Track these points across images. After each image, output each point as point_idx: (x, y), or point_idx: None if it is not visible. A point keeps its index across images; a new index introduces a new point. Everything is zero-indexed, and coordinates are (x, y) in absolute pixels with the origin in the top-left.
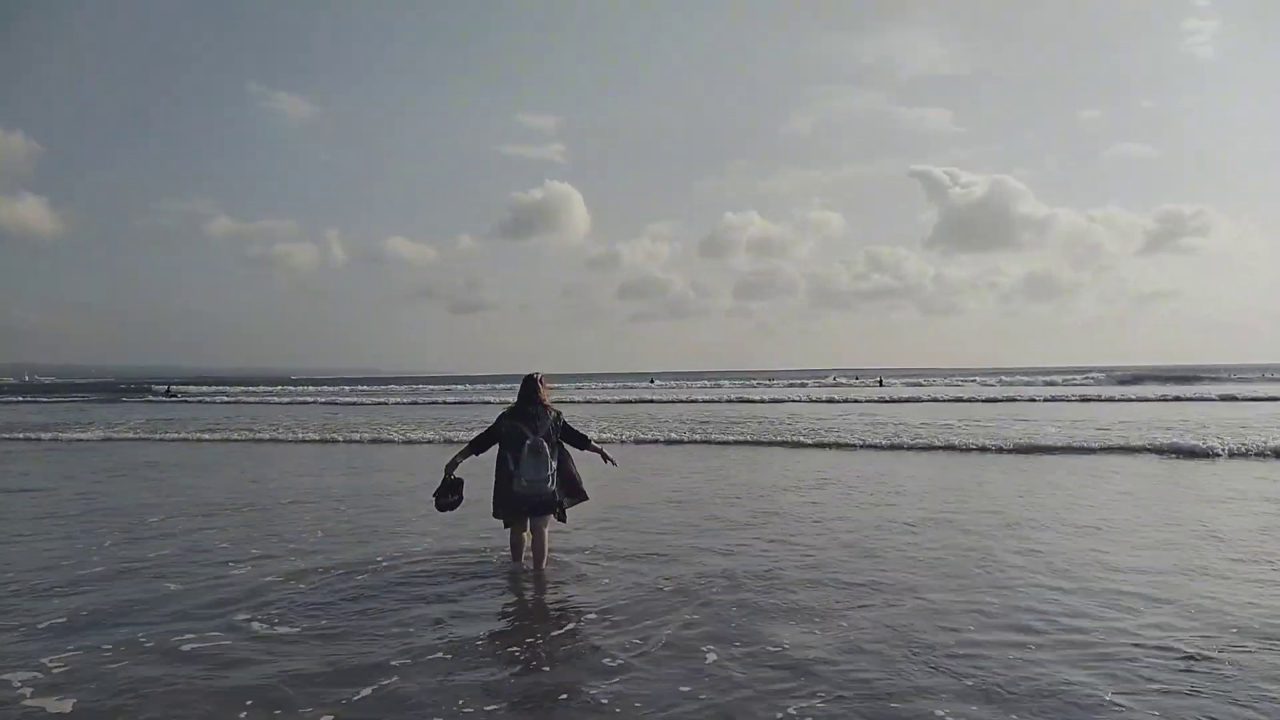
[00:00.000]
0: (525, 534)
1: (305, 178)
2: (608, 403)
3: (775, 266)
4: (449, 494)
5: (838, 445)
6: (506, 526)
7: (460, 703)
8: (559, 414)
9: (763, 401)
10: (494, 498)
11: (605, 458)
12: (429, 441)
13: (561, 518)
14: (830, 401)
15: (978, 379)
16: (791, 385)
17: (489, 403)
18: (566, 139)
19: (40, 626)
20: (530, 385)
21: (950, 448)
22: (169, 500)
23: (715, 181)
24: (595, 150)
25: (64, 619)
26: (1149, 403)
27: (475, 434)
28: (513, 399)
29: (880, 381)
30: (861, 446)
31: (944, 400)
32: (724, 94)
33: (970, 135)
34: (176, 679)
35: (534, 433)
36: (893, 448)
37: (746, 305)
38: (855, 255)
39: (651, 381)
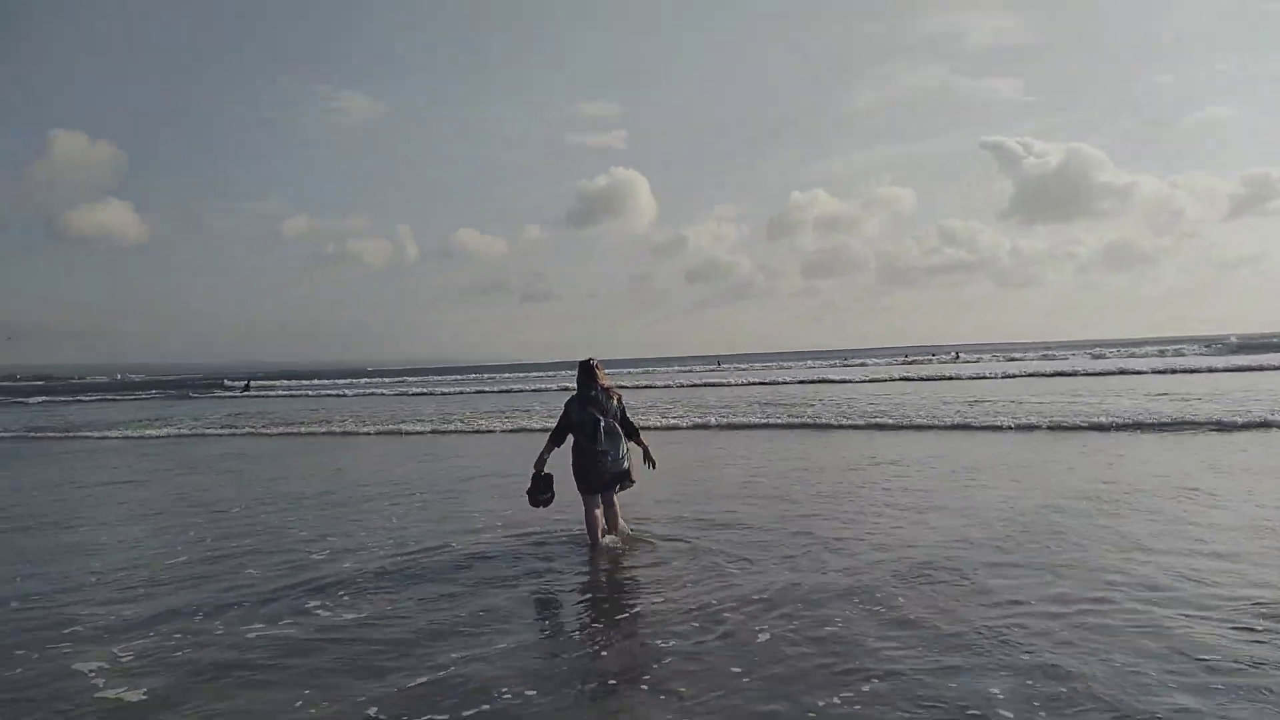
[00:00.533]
0: (598, 511)
1: (375, 175)
2: (671, 386)
3: (843, 244)
4: (541, 492)
5: (914, 426)
6: (586, 495)
7: (515, 687)
8: (620, 396)
9: (833, 382)
10: (577, 476)
11: (647, 456)
12: (500, 431)
13: (627, 484)
14: (905, 380)
15: (1057, 353)
16: (862, 365)
17: (548, 390)
18: (628, 125)
19: (124, 614)
20: (588, 371)
21: (1030, 427)
22: (250, 491)
23: (780, 161)
24: (657, 135)
25: (142, 607)
26: (1245, 373)
27: (552, 427)
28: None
29: (957, 356)
30: (938, 426)
31: (1023, 376)
32: (784, 73)
33: (1042, 104)
34: (245, 666)
35: (604, 414)
36: (970, 427)
37: (814, 285)
38: (926, 230)
39: (718, 365)
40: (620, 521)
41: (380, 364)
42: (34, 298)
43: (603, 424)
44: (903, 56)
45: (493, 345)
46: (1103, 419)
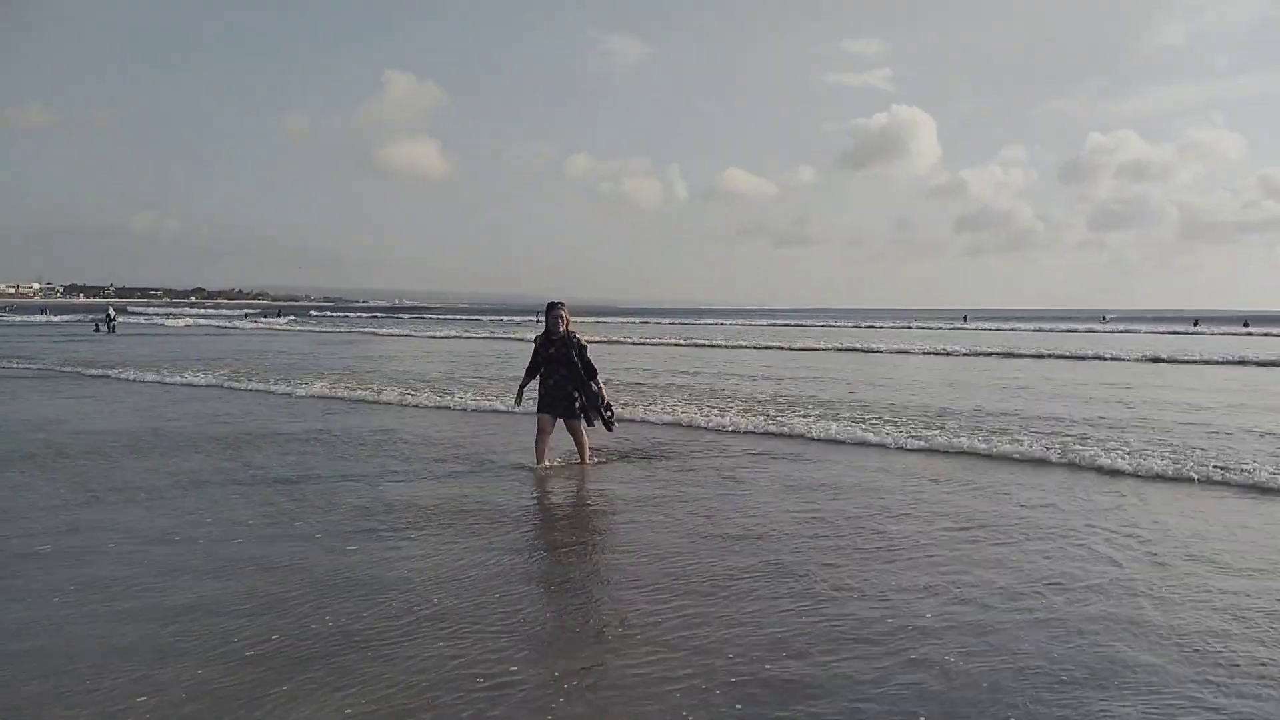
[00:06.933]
0: (548, 437)
1: (644, 114)
2: (896, 352)
3: (1143, 194)
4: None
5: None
6: (542, 419)
7: None
8: (580, 338)
9: (1103, 359)
10: (539, 402)
11: (606, 405)
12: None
13: (609, 427)
14: (1174, 362)
15: None
16: (1150, 333)
17: (751, 348)
18: (894, 63)
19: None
20: (554, 313)
21: None
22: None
23: (1074, 100)
24: (927, 74)
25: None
26: None
27: (527, 364)
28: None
29: (1245, 324)
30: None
31: None
32: (1076, 4)
33: None
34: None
35: (565, 351)
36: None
37: (1101, 238)
38: (1246, 181)
39: (964, 319)
40: (586, 451)
41: (634, 303)
42: (340, 225)
43: (559, 359)
44: None
45: (745, 289)
46: None
